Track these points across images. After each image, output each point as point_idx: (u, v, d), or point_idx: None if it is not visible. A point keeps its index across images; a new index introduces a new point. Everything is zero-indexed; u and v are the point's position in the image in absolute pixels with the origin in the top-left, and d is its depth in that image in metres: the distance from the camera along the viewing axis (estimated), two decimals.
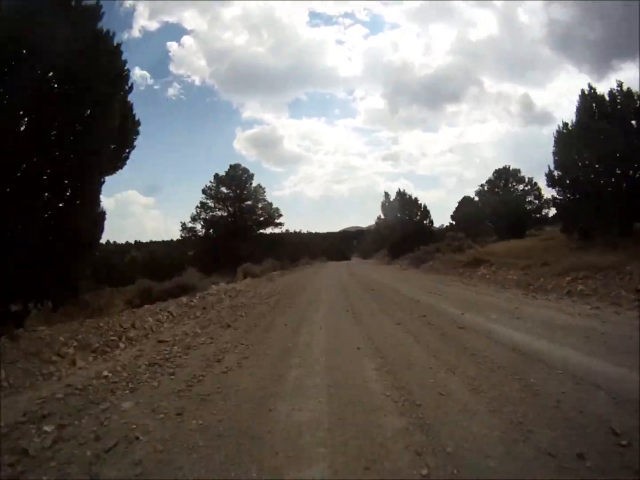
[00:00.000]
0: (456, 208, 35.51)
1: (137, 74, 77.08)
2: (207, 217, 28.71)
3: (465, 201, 34.63)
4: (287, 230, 34.17)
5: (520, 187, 28.58)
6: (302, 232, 38.93)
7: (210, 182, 29.29)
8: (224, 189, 29.20)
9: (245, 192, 29.52)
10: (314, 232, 61.58)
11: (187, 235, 28.12)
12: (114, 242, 32.56)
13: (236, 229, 27.73)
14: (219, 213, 29.11)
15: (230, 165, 29.81)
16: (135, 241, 36.82)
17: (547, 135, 74.54)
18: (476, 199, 31.28)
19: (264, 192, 30.26)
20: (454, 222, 34.66)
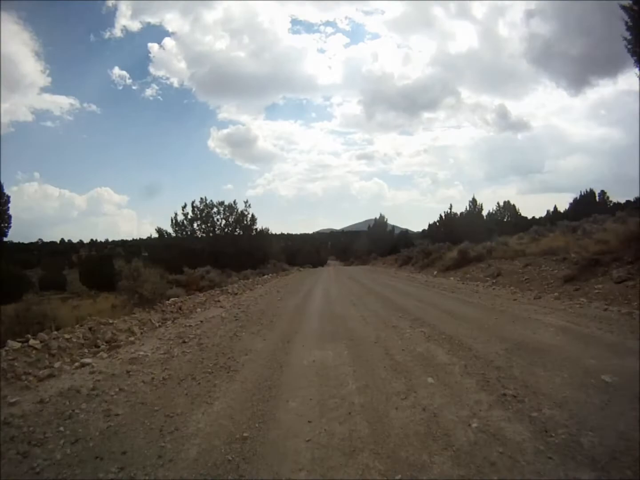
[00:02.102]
0: None
1: (116, 73, 70.02)
2: None
3: None
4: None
5: None
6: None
7: None
8: None
9: None
10: (286, 232, 54.83)
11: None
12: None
13: None
14: None
15: None
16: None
17: (522, 140, 72.93)
18: None
19: None
20: None
